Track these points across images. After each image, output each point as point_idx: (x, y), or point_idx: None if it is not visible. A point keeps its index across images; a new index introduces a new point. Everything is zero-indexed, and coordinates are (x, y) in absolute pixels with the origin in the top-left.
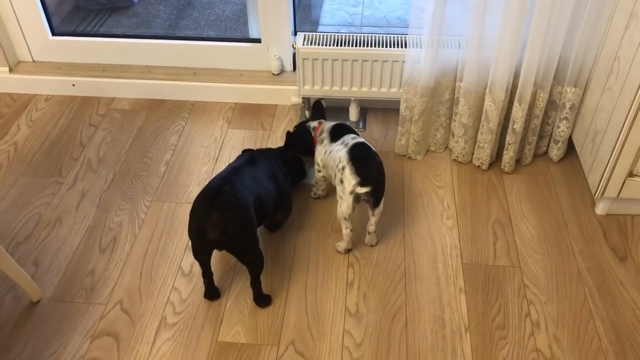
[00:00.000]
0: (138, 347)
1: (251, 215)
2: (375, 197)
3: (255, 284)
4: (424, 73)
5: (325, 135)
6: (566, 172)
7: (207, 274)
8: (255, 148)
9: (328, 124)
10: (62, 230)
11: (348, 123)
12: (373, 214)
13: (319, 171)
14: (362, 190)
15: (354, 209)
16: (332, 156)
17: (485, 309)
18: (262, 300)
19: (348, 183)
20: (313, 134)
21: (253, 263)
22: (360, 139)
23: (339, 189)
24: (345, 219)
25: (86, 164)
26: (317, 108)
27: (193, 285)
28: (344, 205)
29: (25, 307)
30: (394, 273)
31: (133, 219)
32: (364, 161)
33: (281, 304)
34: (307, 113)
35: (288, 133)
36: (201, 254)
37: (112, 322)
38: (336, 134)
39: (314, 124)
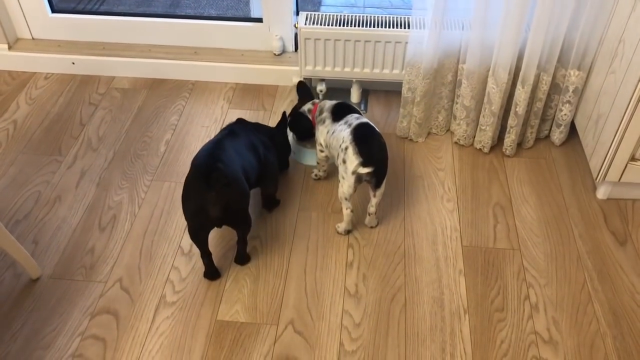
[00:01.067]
0: (137, 324)
1: (245, 187)
2: (377, 177)
3: (242, 244)
4: (427, 54)
5: (327, 115)
6: (568, 156)
7: (205, 254)
8: (246, 120)
9: (327, 103)
10: (62, 208)
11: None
12: (374, 195)
13: (322, 151)
14: (364, 170)
15: (355, 189)
16: (335, 136)
17: (484, 291)
18: (245, 259)
19: (351, 163)
20: (310, 117)
21: (245, 228)
22: (364, 119)
23: (341, 169)
24: (346, 199)
25: (86, 143)
26: (302, 89)
27: (193, 265)
28: (345, 185)
29: (24, 284)
30: (393, 254)
31: (133, 198)
32: (367, 142)
33: (281, 283)
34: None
35: (284, 114)
36: (200, 234)
37: (112, 300)
38: (338, 114)
39: (308, 106)
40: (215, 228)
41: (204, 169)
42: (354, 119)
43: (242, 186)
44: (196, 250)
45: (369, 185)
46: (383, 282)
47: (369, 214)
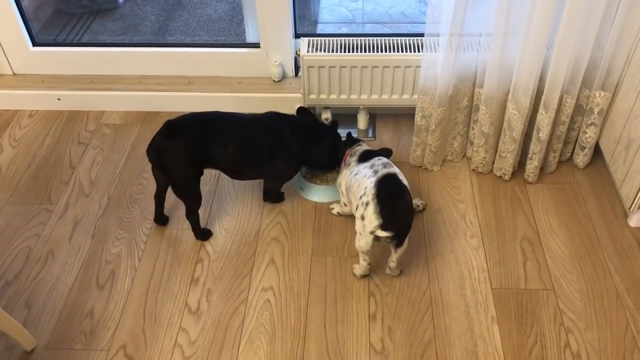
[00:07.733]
0: None
1: (185, 152)
2: (398, 240)
3: (189, 217)
4: (442, 80)
5: (354, 159)
6: (593, 180)
7: (157, 196)
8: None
9: (359, 150)
10: (55, 265)
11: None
12: (395, 252)
13: (346, 204)
14: (383, 234)
15: (373, 245)
16: (357, 180)
17: (520, 340)
18: (200, 233)
19: (370, 222)
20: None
21: (184, 199)
22: (392, 169)
23: (358, 224)
24: (363, 252)
25: (77, 188)
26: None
27: (202, 325)
28: (362, 241)
29: (18, 357)
30: (419, 302)
31: (132, 249)
32: (392, 200)
33: (299, 342)
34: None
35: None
36: (153, 170)
37: None
38: (366, 157)
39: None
40: None
41: (170, 121)
42: (380, 165)
43: (178, 146)
44: (204, 309)
45: (390, 244)
46: (411, 335)
47: (390, 268)
